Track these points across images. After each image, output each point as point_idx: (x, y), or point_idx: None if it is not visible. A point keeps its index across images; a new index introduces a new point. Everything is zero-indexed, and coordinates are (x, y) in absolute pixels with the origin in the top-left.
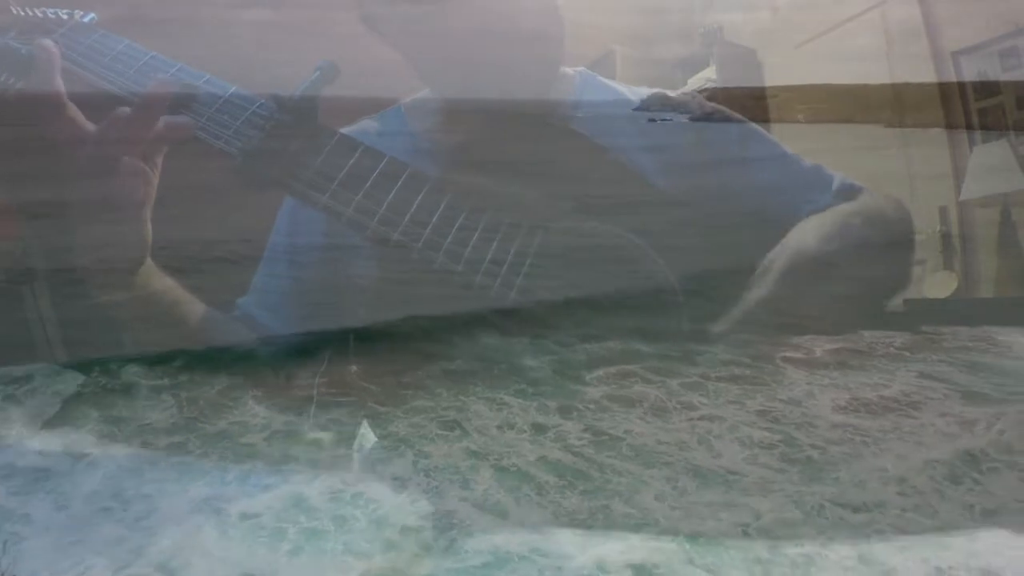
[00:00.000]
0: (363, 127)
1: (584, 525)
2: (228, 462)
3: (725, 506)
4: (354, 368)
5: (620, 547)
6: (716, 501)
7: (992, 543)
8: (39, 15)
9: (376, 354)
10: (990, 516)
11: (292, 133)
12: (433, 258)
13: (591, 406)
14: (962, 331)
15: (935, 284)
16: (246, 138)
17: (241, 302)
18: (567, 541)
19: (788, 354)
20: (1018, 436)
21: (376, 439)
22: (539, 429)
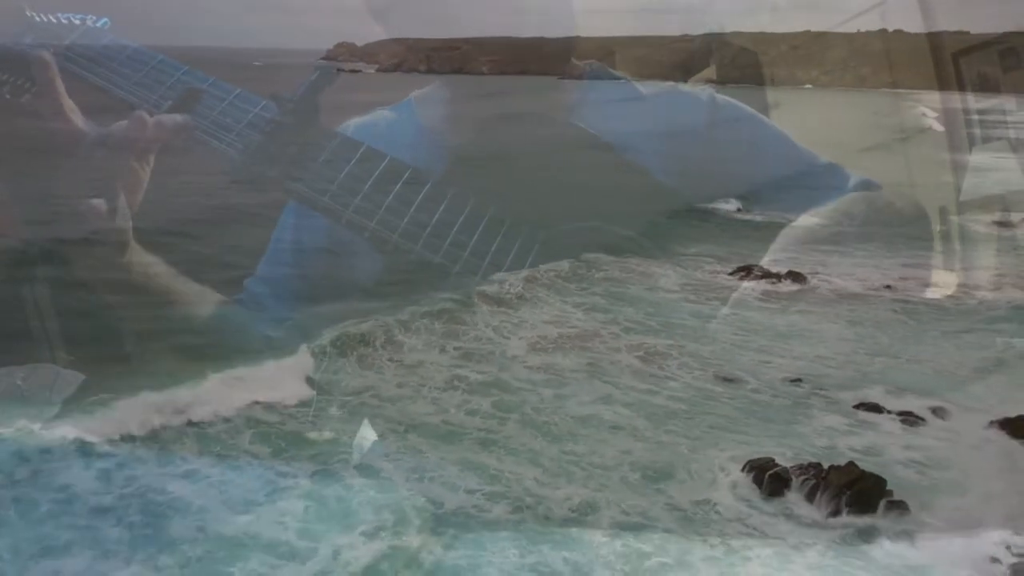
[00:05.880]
0: (375, 117)
1: (315, 498)
2: None
3: (465, 465)
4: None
5: (357, 530)
6: (451, 456)
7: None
8: (53, 20)
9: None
10: (705, 447)
11: (293, 135)
12: (431, 258)
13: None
14: (603, 259)
15: (936, 283)
16: (248, 140)
17: (248, 282)
18: (294, 527)
19: (484, 288)
20: (710, 366)
21: (376, 436)
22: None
